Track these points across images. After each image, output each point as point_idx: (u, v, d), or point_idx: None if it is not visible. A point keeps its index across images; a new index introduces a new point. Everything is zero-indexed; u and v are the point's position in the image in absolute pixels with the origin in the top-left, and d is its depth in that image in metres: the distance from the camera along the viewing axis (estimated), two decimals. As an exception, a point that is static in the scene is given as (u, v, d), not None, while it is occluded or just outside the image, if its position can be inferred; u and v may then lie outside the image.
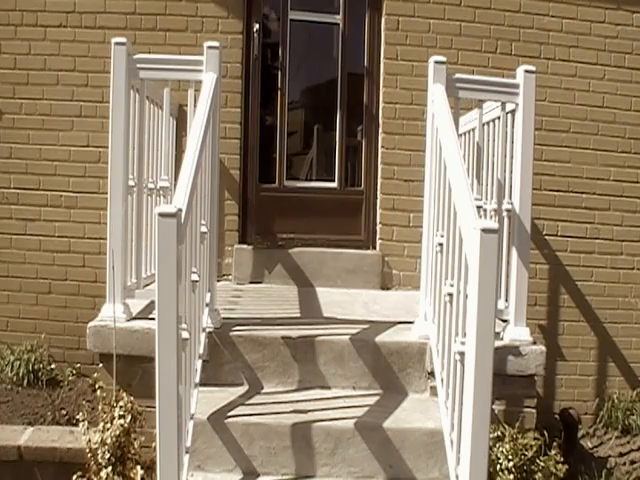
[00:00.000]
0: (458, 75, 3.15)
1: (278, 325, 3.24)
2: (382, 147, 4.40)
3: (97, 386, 2.84)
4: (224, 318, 3.24)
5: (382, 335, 3.19)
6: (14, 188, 4.29)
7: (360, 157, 4.54)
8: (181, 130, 3.99)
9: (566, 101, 4.38)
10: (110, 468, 2.55)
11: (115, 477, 2.55)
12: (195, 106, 3.01)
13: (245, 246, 4.37)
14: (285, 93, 4.48)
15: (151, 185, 3.45)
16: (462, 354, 2.29)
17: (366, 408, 2.92)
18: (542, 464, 2.73)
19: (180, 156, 3.20)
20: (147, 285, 3.29)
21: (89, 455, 2.61)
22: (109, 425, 2.58)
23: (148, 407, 2.62)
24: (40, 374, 3.86)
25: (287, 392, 3.05)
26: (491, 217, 3.21)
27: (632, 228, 4.42)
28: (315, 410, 2.87)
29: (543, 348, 3.04)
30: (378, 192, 4.43)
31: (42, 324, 4.24)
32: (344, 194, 4.52)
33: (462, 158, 2.67)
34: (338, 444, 2.74)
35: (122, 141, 3.07)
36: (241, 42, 4.33)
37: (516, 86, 3.11)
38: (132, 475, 2.58)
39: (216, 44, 3.17)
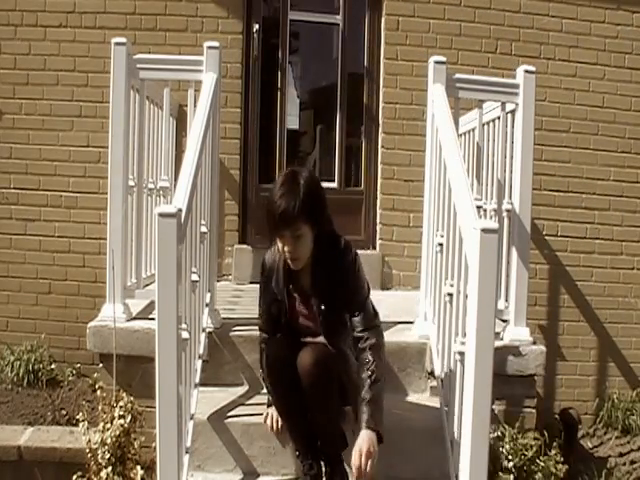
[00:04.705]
0: (458, 75, 3.15)
1: (278, 325, 3.23)
2: (382, 147, 4.39)
3: (97, 386, 2.83)
4: (224, 318, 3.24)
5: (382, 335, 3.19)
6: (14, 188, 4.28)
7: (360, 157, 4.54)
8: (181, 130, 3.98)
9: (566, 101, 4.37)
10: (110, 468, 2.55)
11: (115, 477, 2.55)
12: (195, 106, 3.01)
13: (245, 246, 4.36)
14: (285, 93, 4.48)
15: (151, 185, 3.45)
16: (462, 354, 2.29)
17: (366, 408, 2.91)
18: (542, 464, 2.72)
19: (180, 156, 3.19)
20: (147, 285, 3.29)
21: (89, 455, 2.61)
22: (109, 425, 2.58)
23: (148, 407, 2.61)
24: (40, 374, 3.86)
25: (287, 392, 3.04)
26: (491, 217, 3.21)
27: (632, 228, 4.42)
28: (315, 410, 2.86)
29: (543, 348, 3.05)
30: (378, 192, 4.42)
31: (42, 324, 4.23)
32: (344, 194, 4.51)
33: (462, 158, 2.67)
34: (338, 444, 2.73)
35: (122, 141, 3.07)
36: (241, 42, 4.31)
37: (516, 86, 3.11)
38: (132, 475, 2.58)
39: (216, 44, 3.18)
